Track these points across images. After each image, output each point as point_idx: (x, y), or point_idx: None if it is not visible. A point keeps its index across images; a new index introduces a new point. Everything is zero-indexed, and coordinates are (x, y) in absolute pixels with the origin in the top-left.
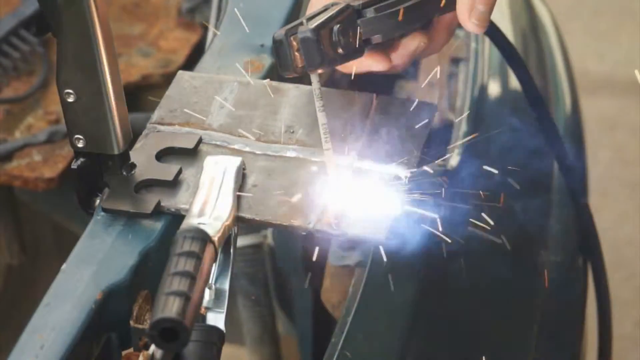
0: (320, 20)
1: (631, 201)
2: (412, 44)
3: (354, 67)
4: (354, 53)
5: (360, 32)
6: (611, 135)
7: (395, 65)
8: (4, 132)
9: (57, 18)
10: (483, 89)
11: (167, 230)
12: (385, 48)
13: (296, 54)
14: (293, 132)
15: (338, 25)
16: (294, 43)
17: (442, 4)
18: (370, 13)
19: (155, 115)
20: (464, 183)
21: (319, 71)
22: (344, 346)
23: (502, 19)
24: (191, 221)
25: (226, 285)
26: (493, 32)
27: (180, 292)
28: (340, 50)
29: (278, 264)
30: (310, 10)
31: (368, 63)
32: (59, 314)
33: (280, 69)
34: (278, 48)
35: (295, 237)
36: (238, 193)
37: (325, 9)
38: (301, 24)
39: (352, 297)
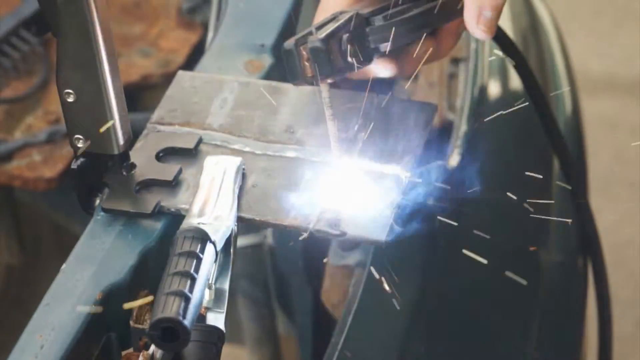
0: (330, 30)
1: (631, 201)
2: (419, 50)
3: (362, 74)
4: (362, 61)
5: (369, 41)
6: (611, 135)
7: (402, 72)
8: (4, 132)
9: (57, 18)
10: (483, 89)
11: (167, 230)
12: (393, 55)
13: (306, 63)
14: (293, 132)
15: (347, 34)
16: (304, 53)
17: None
18: (378, 21)
19: (155, 115)
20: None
21: (329, 80)
22: (344, 346)
23: (502, 19)
24: (191, 221)
25: (226, 285)
26: (499, 36)
27: (180, 292)
28: (349, 59)
29: (278, 264)
30: (319, 18)
31: (376, 70)
32: (59, 314)
33: (290, 79)
34: (288, 58)
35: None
36: (238, 193)
37: (334, 18)
38: (310, 33)
39: (352, 297)
